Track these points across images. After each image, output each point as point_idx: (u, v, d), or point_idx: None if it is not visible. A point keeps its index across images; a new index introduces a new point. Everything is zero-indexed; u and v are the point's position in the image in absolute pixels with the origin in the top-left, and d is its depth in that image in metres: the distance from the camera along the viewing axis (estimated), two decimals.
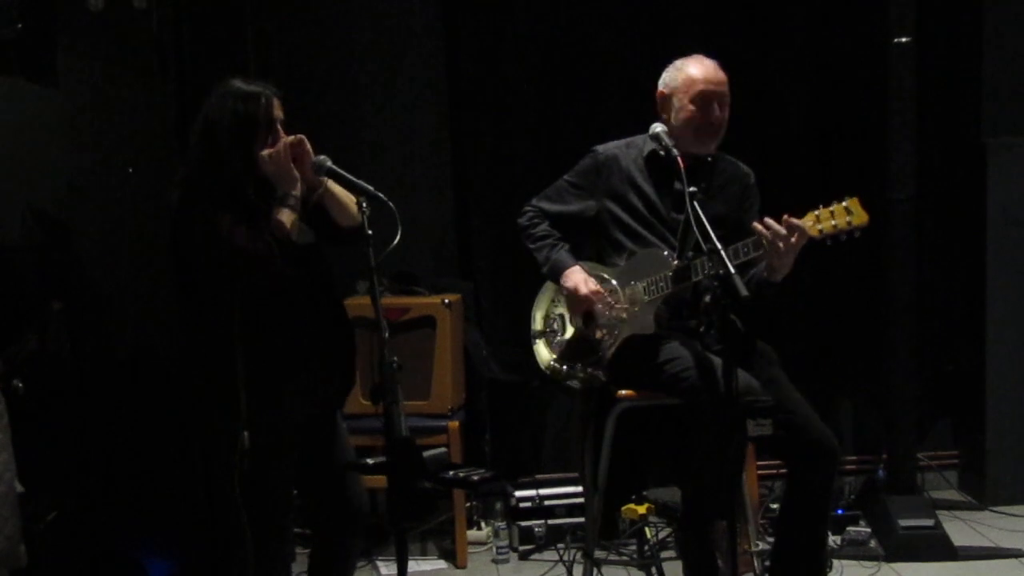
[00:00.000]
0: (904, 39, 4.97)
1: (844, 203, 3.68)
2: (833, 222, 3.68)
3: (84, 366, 4.54)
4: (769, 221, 3.72)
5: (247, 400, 3.42)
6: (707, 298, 3.90)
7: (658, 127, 4.02)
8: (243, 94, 3.50)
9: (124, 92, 4.67)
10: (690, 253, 3.92)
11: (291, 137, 3.50)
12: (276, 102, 3.54)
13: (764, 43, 5.44)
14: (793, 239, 3.68)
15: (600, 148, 4.22)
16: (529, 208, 4.27)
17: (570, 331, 4.19)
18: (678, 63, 4.08)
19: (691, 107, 3.99)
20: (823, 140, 5.52)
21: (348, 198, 3.56)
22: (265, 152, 3.47)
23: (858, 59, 5.41)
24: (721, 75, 4.02)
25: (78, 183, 4.70)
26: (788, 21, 5.47)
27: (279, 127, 3.53)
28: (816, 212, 3.71)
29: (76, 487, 4.45)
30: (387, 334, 3.21)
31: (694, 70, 4.01)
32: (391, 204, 3.32)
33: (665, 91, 4.08)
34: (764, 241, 3.70)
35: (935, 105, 5.37)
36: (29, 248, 4.67)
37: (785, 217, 3.70)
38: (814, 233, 3.69)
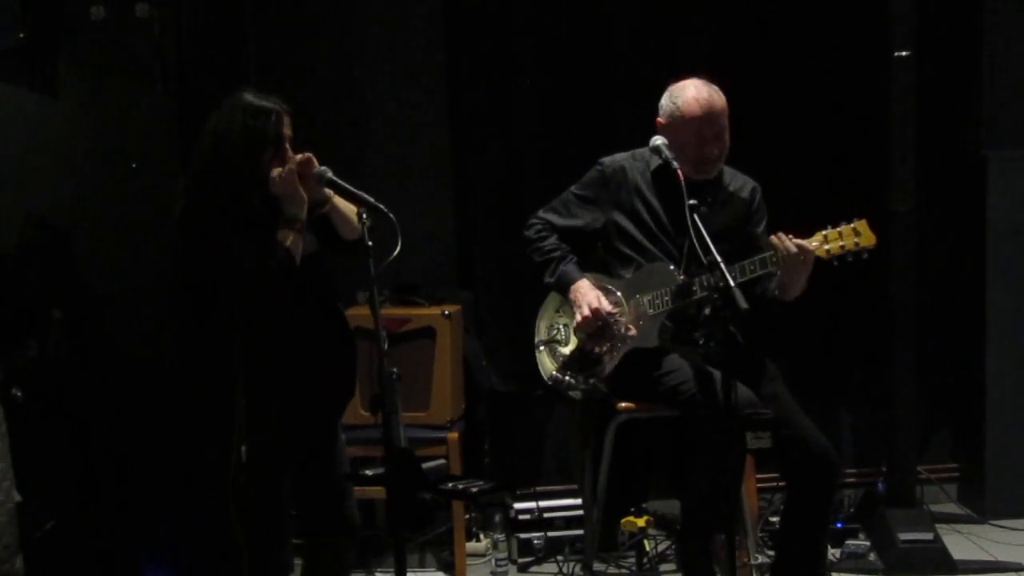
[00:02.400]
0: (905, 52, 4.97)
1: (852, 224, 3.72)
2: (841, 243, 3.72)
3: (83, 375, 4.54)
4: (782, 235, 3.74)
5: (246, 410, 3.42)
6: (707, 311, 3.93)
7: (658, 139, 4.02)
8: (254, 109, 3.50)
9: (125, 101, 4.67)
10: (694, 269, 3.92)
11: (300, 156, 3.51)
12: (286, 119, 3.55)
13: (765, 56, 5.44)
14: (804, 256, 3.70)
15: (607, 160, 4.22)
16: (536, 220, 4.26)
17: (573, 342, 4.19)
18: (676, 92, 4.05)
19: (687, 142, 3.99)
20: (825, 153, 5.52)
21: (352, 212, 3.57)
22: (274, 172, 3.48)
23: (859, 72, 5.41)
24: (718, 106, 3.99)
25: (79, 192, 4.70)
26: (789, 34, 5.47)
27: (287, 145, 3.54)
28: (824, 232, 3.74)
29: (74, 496, 4.45)
30: (386, 344, 3.22)
31: (688, 107, 3.98)
32: (391, 215, 3.32)
33: (663, 121, 4.08)
34: (779, 254, 3.72)
35: (936, 118, 5.36)
36: (29, 256, 4.67)
37: (795, 241, 3.72)
38: (821, 253, 3.73)
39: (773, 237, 3.77)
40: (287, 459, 3.59)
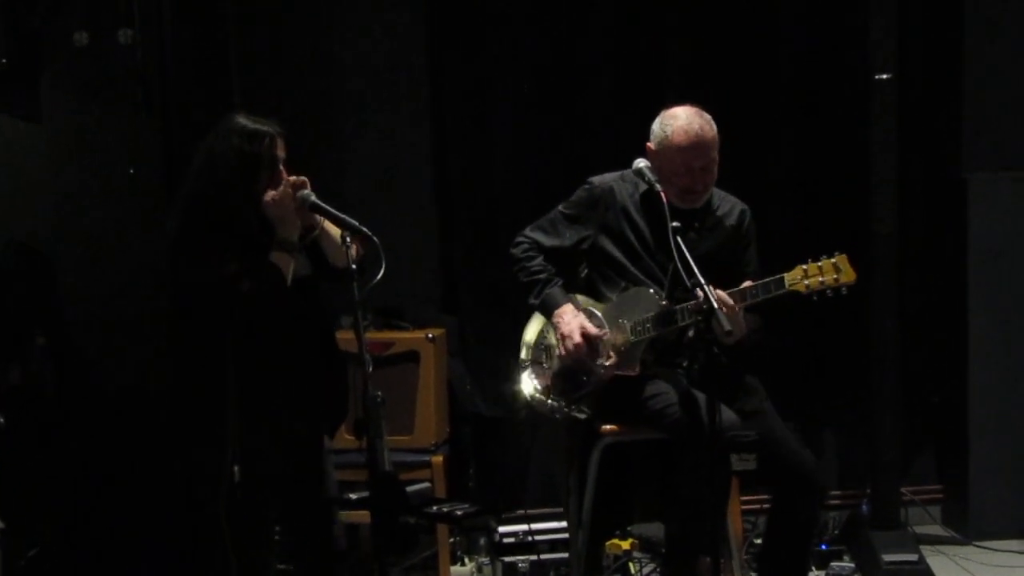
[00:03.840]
0: (885, 76, 5.00)
1: (833, 259, 3.71)
2: (821, 278, 3.70)
3: (67, 400, 4.52)
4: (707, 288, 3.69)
5: (237, 432, 3.42)
6: (691, 333, 3.93)
7: (641, 162, 4.03)
8: (249, 132, 3.52)
9: (109, 126, 4.68)
10: (679, 292, 3.92)
11: (294, 178, 3.53)
12: (280, 142, 3.56)
13: (746, 78, 5.45)
14: (725, 310, 3.66)
15: (596, 180, 4.22)
16: (524, 240, 4.26)
17: (556, 363, 4.19)
18: (667, 120, 4.03)
19: (675, 172, 3.99)
20: (805, 176, 5.53)
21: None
22: (269, 196, 3.49)
23: (840, 95, 5.44)
24: (708, 137, 3.97)
25: (62, 217, 4.70)
26: (770, 58, 5.49)
27: (281, 167, 3.55)
28: (804, 267, 3.73)
29: (58, 523, 4.43)
30: (371, 368, 3.21)
31: (677, 138, 3.96)
32: (375, 238, 3.33)
33: (652, 147, 4.06)
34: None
35: (916, 140, 5.39)
36: (12, 281, 4.66)
37: (718, 292, 3.69)
38: (800, 288, 3.72)
39: (698, 291, 3.71)
40: (276, 480, 3.58)
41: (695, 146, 3.95)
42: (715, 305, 3.49)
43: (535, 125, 5.49)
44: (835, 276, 3.70)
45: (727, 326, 3.44)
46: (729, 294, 3.72)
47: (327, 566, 3.77)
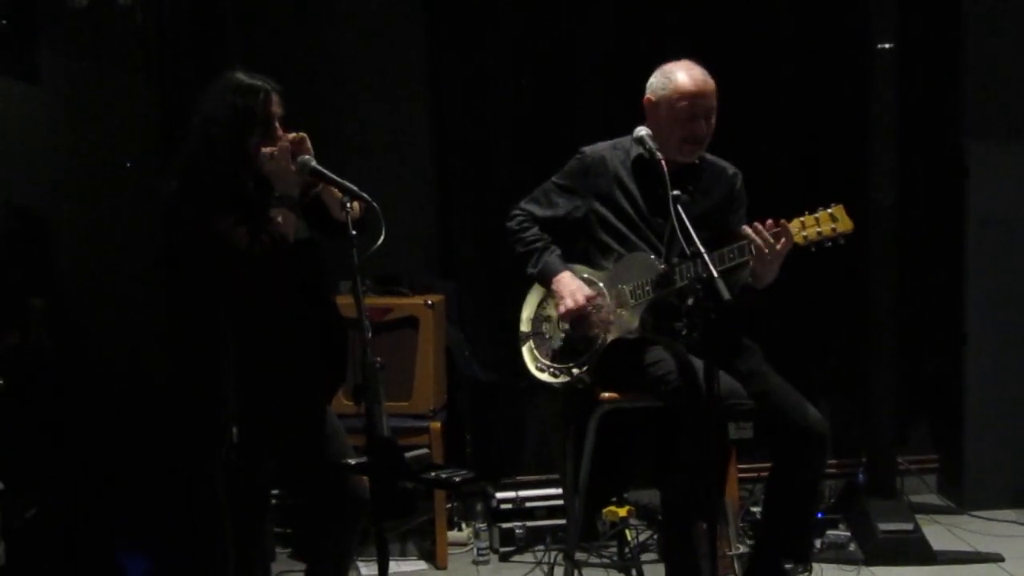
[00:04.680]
0: (886, 45, 4.99)
1: (829, 210, 3.71)
2: (818, 229, 3.70)
3: (65, 363, 4.52)
4: (757, 225, 3.74)
5: (236, 392, 3.42)
6: (690, 301, 3.93)
7: (642, 130, 4.02)
8: (244, 88, 3.49)
9: (107, 88, 4.66)
10: (675, 259, 3.93)
11: (292, 135, 3.50)
12: (276, 98, 3.53)
13: (747, 49, 5.44)
14: (779, 245, 3.70)
15: (587, 149, 4.21)
16: (518, 212, 4.25)
17: (557, 334, 4.18)
18: (667, 70, 4.04)
19: (676, 119, 3.98)
20: (806, 144, 5.54)
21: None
22: (266, 150, 3.47)
23: (841, 65, 5.43)
24: (709, 86, 3.98)
25: (60, 179, 4.68)
26: (771, 27, 5.48)
27: (277, 124, 3.52)
28: (801, 219, 3.73)
29: (56, 484, 4.43)
30: (369, 334, 3.21)
31: (681, 82, 3.97)
32: (375, 204, 3.32)
33: (652, 98, 4.06)
34: (751, 246, 3.72)
35: (917, 110, 5.39)
36: (9, 244, 4.65)
37: (769, 222, 3.72)
38: (799, 240, 3.72)
39: (746, 228, 3.76)
40: (274, 443, 3.58)
41: (699, 91, 3.96)
42: (715, 274, 3.49)
43: (535, 91, 5.49)
44: (832, 226, 3.70)
45: (727, 295, 3.44)
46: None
47: (337, 527, 3.75)
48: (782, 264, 3.78)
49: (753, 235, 3.73)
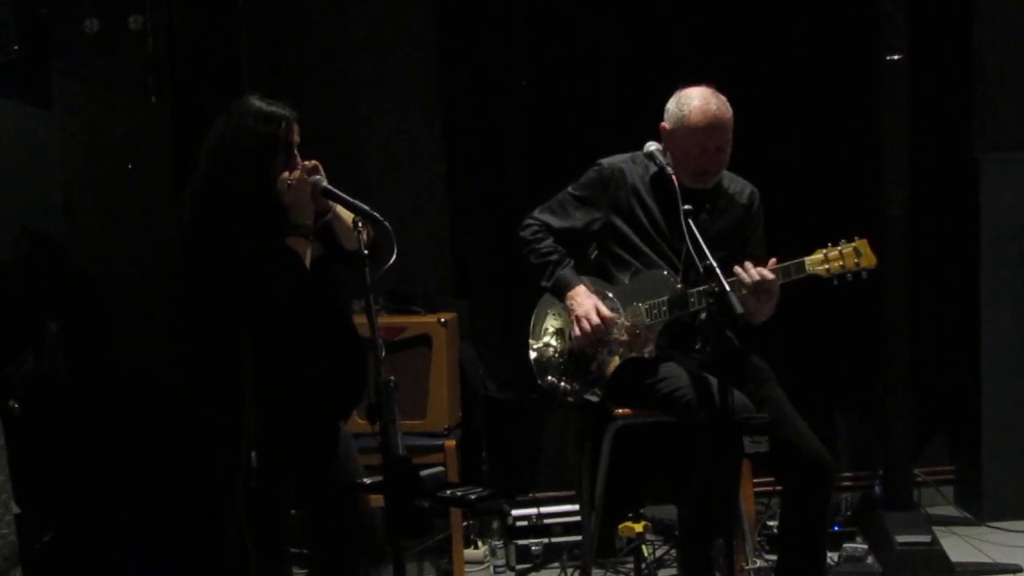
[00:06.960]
0: (896, 56, 4.99)
1: (854, 244, 3.75)
2: (841, 263, 3.76)
3: (80, 386, 4.53)
4: (748, 266, 3.76)
5: (255, 415, 3.42)
6: (703, 316, 3.93)
7: (652, 145, 4.03)
8: (264, 115, 3.49)
9: (119, 113, 4.67)
10: (693, 275, 3.92)
11: (308, 163, 3.50)
12: (295, 126, 3.54)
13: (757, 61, 5.45)
14: (766, 288, 3.73)
15: (605, 162, 4.21)
16: (533, 221, 4.24)
17: (568, 346, 4.18)
18: (683, 99, 4.03)
19: (689, 153, 3.99)
20: (818, 158, 5.54)
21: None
22: (285, 177, 3.48)
23: (851, 77, 5.43)
24: (725, 118, 3.98)
25: (73, 203, 4.70)
26: (781, 39, 5.49)
27: (296, 151, 3.54)
28: (824, 251, 3.77)
29: (72, 508, 4.44)
30: (383, 353, 3.21)
31: (696, 118, 3.96)
32: (386, 224, 3.32)
33: (667, 126, 4.06)
34: (744, 284, 3.74)
35: (927, 122, 5.39)
36: (24, 268, 4.67)
37: (759, 269, 3.74)
38: (821, 272, 3.77)
39: (736, 268, 3.78)
40: (293, 465, 3.59)
41: (711, 127, 3.95)
42: (727, 288, 3.50)
43: (548, 108, 5.50)
44: (856, 261, 3.75)
45: (739, 308, 3.45)
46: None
47: (350, 548, 3.76)
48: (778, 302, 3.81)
49: (743, 274, 3.75)
